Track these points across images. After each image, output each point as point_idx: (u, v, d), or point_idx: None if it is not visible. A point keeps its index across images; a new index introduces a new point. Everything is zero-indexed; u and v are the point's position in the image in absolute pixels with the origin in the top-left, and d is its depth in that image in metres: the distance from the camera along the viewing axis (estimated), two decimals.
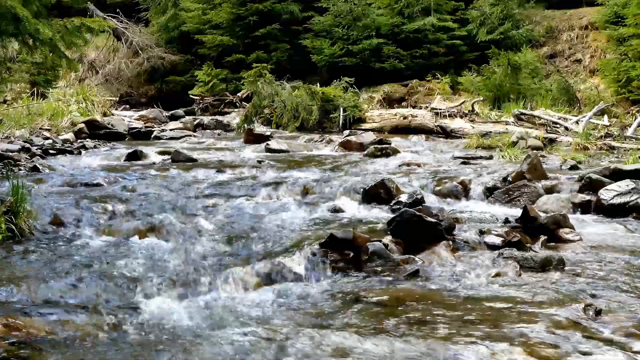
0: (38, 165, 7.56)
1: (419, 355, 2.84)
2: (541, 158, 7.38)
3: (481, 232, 4.68)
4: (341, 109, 12.58)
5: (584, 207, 5.75)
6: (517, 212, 5.20)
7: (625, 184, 5.71)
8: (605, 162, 7.99)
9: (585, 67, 15.71)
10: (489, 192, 6.29)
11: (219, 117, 14.71)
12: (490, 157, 8.56)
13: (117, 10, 20.22)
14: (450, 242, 4.47)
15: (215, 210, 5.65)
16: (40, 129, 10.76)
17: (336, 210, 5.70)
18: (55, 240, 4.64)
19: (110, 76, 20.19)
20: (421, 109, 13.41)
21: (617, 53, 13.61)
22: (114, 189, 6.39)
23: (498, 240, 4.56)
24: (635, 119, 10.52)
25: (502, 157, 8.61)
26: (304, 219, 5.33)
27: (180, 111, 16.16)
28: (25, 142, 9.25)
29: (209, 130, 13.25)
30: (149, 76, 20.28)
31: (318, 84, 13.88)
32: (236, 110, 15.93)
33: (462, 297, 3.60)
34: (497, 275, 3.94)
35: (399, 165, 7.96)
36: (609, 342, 2.94)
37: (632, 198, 5.58)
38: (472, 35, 16.49)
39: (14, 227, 4.51)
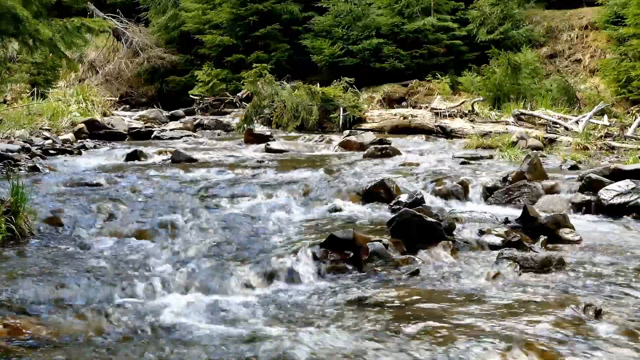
0: (38, 165, 7.55)
1: (418, 355, 2.84)
2: (541, 158, 7.38)
3: (481, 232, 4.68)
4: (341, 109, 12.58)
5: (584, 207, 5.75)
6: (517, 212, 5.20)
7: (625, 184, 5.71)
8: (605, 162, 7.99)
9: (585, 67, 15.71)
10: (489, 192, 6.29)
11: (219, 117, 14.70)
12: (490, 157, 8.56)
13: (117, 10, 20.22)
14: (450, 242, 4.47)
15: (216, 210, 5.65)
16: (40, 129, 10.75)
17: (336, 210, 5.70)
18: (55, 240, 4.64)
19: (110, 76, 20.19)
20: (421, 109, 13.41)
21: (617, 53, 13.61)
22: (114, 189, 6.38)
23: (498, 240, 4.56)
24: (635, 119, 10.52)
25: (502, 157, 8.61)
26: (304, 219, 5.33)
27: (180, 111, 16.16)
28: (25, 142, 9.24)
29: (209, 130, 13.24)
30: (149, 76, 20.27)
31: (318, 84, 13.86)
32: (236, 110, 15.92)
33: (462, 297, 3.60)
34: (497, 275, 3.94)
35: (399, 165, 7.96)
36: (609, 342, 2.94)
37: (632, 198, 5.58)
38: (472, 35, 16.49)
39: (14, 227, 4.51)
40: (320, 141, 10.62)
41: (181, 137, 11.68)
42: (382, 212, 5.61)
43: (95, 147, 10.03)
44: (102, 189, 6.34)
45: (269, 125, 12.82)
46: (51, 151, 9.03)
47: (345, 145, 9.86)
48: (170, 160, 8.42)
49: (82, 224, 5.04)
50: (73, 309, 3.34)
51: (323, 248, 4.21)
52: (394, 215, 4.70)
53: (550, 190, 6.16)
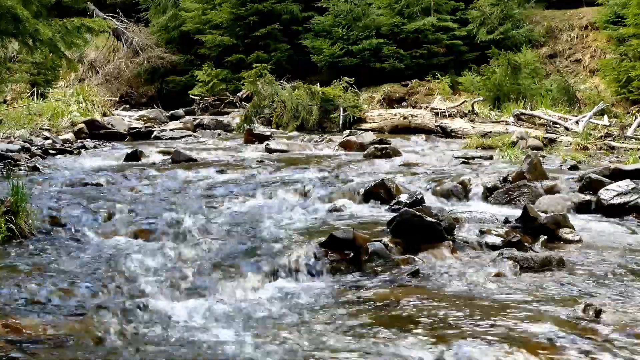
0: (38, 165, 7.56)
1: (418, 355, 2.83)
2: (541, 158, 7.38)
3: (481, 232, 4.68)
4: (341, 109, 12.58)
5: (584, 207, 5.74)
6: (517, 212, 5.20)
7: (625, 184, 5.71)
8: (605, 162, 7.99)
9: (585, 67, 15.71)
10: (489, 192, 6.28)
11: (219, 117, 14.70)
12: (490, 157, 8.55)
13: (117, 10, 20.21)
14: (450, 242, 4.46)
15: (215, 211, 5.65)
16: (40, 129, 10.75)
17: (336, 210, 5.70)
18: (55, 240, 4.64)
19: (110, 76, 20.18)
20: (421, 109, 13.41)
21: (617, 53, 13.61)
22: (114, 189, 6.39)
23: (498, 240, 4.56)
24: (635, 119, 10.53)
25: (502, 157, 8.61)
26: (304, 219, 5.33)
27: (180, 111, 16.17)
28: (25, 142, 9.24)
29: (209, 130, 13.23)
30: (149, 76, 20.27)
31: (318, 84, 13.86)
32: (236, 110, 15.91)
33: (462, 297, 3.60)
34: (497, 275, 3.94)
35: (399, 165, 7.96)
36: (609, 342, 2.94)
37: (632, 198, 5.57)
38: (472, 35, 16.49)
39: (14, 227, 4.51)
40: (320, 141, 10.62)
41: (181, 137, 11.69)
42: (382, 212, 5.61)
43: (95, 147, 10.03)
44: (102, 189, 6.35)
45: (269, 125, 12.81)
46: (51, 151, 9.04)
47: (345, 145, 9.86)
48: (170, 160, 8.43)
49: (82, 224, 5.05)
50: (73, 309, 3.34)
51: (323, 248, 4.21)
52: (394, 215, 4.70)
53: (550, 190, 6.16)
